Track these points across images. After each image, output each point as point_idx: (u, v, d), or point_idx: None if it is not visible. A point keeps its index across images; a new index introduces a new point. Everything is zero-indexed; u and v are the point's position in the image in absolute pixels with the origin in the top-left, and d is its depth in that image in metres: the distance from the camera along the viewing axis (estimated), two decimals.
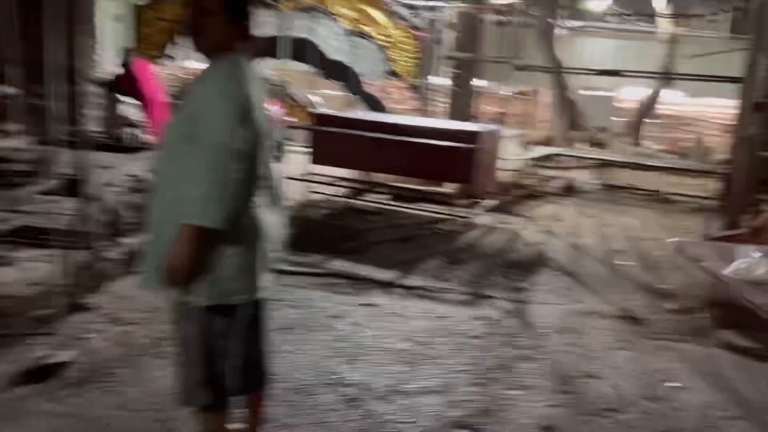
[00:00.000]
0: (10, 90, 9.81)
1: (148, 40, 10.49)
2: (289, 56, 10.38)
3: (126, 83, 8.57)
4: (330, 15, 10.49)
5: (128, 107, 8.62)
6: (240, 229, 2.09)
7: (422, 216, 6.80)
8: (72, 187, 4.36)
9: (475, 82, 10.63)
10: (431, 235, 6.28)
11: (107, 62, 10.39)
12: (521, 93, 13.23)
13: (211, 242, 2.04)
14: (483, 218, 6.93)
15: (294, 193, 7.20)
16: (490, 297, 4.61)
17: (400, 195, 7.29)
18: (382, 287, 4.65)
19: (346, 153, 6.92)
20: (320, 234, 5.99)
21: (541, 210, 7.81)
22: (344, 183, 7.47)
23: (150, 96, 8.49)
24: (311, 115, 7.21)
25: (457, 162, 6.13)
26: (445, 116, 10.33)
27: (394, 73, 10.58)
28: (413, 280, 4.85)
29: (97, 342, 3.45)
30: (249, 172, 2.03)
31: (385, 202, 7.23)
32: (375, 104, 10.76)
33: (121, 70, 9.59)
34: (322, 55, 10.66)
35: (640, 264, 5.75)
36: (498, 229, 6.70)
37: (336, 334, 3.81)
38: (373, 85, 11.23)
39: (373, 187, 7.43)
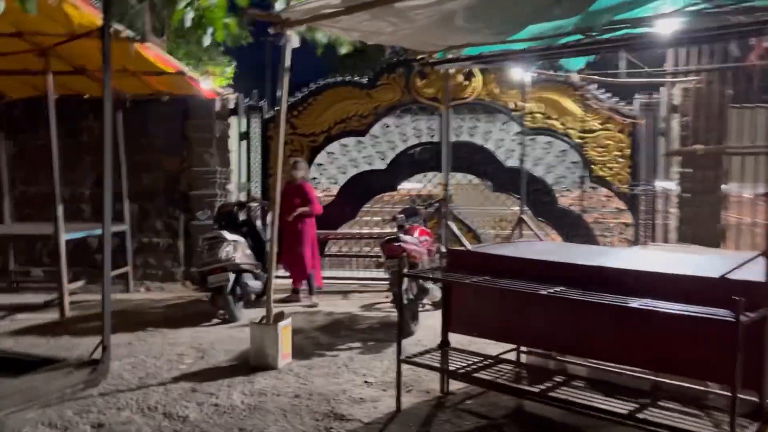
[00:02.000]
0: (121, 227, 8.47)
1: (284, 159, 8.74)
2: (453, 166, 7.98)
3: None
4: (503, 110, 8.08)
5: (237, 247, 6.54)
6: None
7: None
8: None
9: (722, 184, 7.25)
10: None
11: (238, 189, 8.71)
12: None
13: None
14: None
15: (420, 381, 4.31)
16: None
17: (610, 391, 3.98)
18: None
19: (505, 316, 3.94)
20: None
21: None
22: (506, 366, 4.34)
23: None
24: (449, 252, 4.41)
25: (725, 345, 2.85)
26: (682, 240, 6.94)
27: (597, 179, 8.01)
28: None
29: None
30: None
31: (581, 408, 3.92)
32: (573, 225, 7.78)
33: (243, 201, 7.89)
34: (494, 161, 8.13)
35: None
36: None
37: None
38: (568, 197, 8.35)
39: (560, 376, 4.20)
